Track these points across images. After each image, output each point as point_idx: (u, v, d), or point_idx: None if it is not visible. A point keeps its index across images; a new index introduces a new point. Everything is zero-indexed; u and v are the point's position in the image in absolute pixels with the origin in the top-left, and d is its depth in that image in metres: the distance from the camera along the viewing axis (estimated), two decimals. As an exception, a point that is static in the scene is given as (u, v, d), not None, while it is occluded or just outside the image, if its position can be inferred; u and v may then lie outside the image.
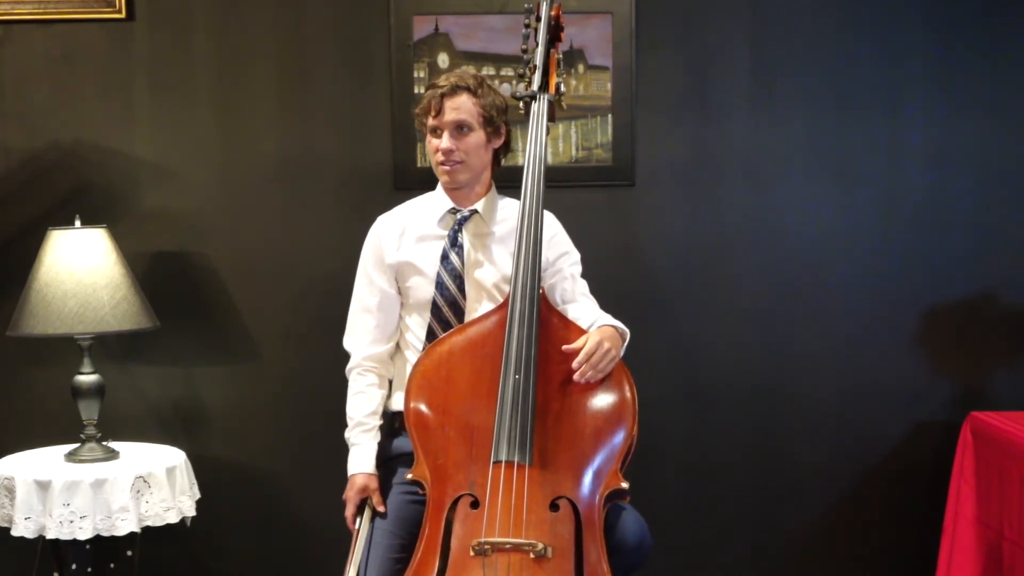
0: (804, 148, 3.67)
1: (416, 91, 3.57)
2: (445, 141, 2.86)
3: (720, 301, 3.69)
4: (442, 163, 2.88)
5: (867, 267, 3.69)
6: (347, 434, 2.92)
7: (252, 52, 3.61)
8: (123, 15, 3.57)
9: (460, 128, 2.86)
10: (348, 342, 2.98)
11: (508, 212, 2.96)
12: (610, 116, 3.62)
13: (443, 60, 3.59)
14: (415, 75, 3.59)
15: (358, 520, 2.83)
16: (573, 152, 3.63)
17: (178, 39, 3.60)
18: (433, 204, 2.97)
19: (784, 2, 3.64)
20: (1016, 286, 3.70)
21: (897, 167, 3.67)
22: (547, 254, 2.93)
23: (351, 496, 2.85)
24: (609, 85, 3.61)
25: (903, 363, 3.71)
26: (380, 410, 2.93)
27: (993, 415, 3.49)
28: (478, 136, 2.89)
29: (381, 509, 2.80)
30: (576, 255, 3.03)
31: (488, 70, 3.58)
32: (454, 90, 2.87)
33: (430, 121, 2.88)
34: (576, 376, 2.65)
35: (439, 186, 2.99)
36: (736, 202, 3.67)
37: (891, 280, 3.69)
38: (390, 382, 2.97)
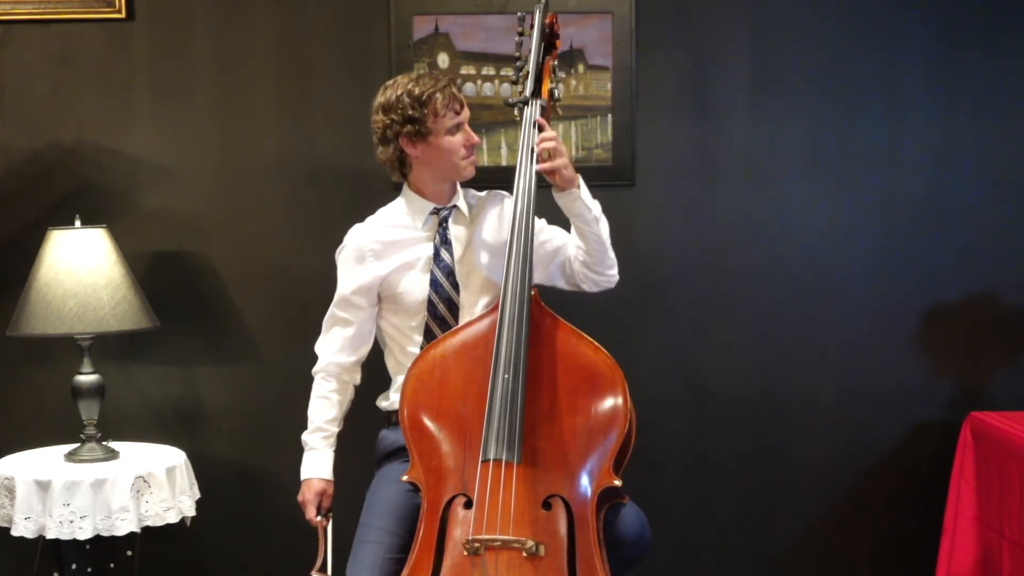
0: (804, 148, 3.67)
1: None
2: (472, 133, 2.90)
3: (720, 301, 3.69)
4: (467, 155, 2.90)
5: (867, 267, 3.69)
6: (305, 436, 2.96)
7: (252, 52, 3.61)
8: (123, 15, 3.57)
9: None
10: (319, 346, 3.00)
11: (475, 200, 3.00)
12: (610, 116, 3.62)
13: (443, 60, 3.59)
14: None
15: (322, 519, 2.90)
16: (573, 152, 3.62)
17: (178, 39, 3.60)
18: (411, 208, 2.95)
19: (784, 1, 3.64)
20: (1016, 286, 3.70)
21: (897, 167, 3.67)
22: (539, 238, 2.96)
23: (310, 499, 2.91)
24: (609, 85, 3.61)
25: (903, 363, 3.71)
26: (341, 418, 2.97)
27: (993, 415, 3.49)
28: None
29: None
30: (549, 227, 3.02)
31: (488, 70, 3.58)
32: (457, 85, 2.90)
33: (452, 120, 2.86)
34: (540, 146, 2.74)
35: (407, 192, 2.97)
36: (736, 202, 3.67)
37: (891, 280, 3.69)
38: (354, 388, 3.00)
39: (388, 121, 2.85)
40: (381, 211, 3.02)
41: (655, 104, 3.64)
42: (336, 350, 2.96)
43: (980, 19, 3.64)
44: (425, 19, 3.59)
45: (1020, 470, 3.25)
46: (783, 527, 3.75)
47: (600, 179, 3.61)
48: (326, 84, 3.62)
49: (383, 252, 2.92)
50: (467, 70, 3.58)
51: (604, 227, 2.90)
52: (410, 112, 2.83)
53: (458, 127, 2.87)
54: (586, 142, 3.63)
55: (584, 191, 2.84)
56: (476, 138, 2.91)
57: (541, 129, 2.79)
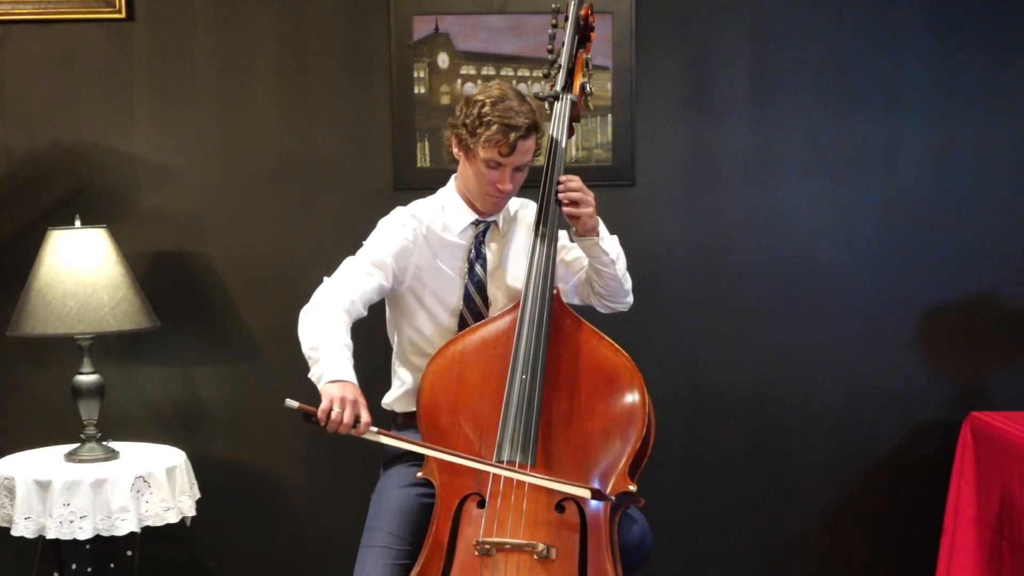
0: (804, 148, 3.67)
1: (416, 91, 3.58)
2: (507, 182, 2.78)
3: (720, 301, 3.69)
4: (493, 195, 2.82)
5: (867, 267, 3.69)
6: (324, 344, 2.63)
7: (252, 52, 3.61)
8: (123, 15, 3.56)
9: (520, 168, 2.80)
10: (334, 283, 2.78)
11: (508, 214, 2.95)
12: (610, 116, 3.62)
13: (443, 60, 3.59)
14: (415, 75, 3.59)
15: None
16: (573, 152, 3.62)
17: (178, 39, 3.60)
18: (455, 213, 2.89)
19: (784, 2, 3.64)
20: (1016, 286, 3.70)
21: (897, 167, 3.68)
22: (563, 256, 2.95)
23: (361, 400, 2.55)
24: (609, 85, 3.61)
25: (903, 363, 3.71)
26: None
27: (993, 415, 3.49)
28: (527, 168, 2.85)
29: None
30: (573, 246, 3.00)
31: (488, 70, 3.58)
32: (528, 132, 2.75)
33: (495, 156, 2.75)
34: (560, 192, 2.74)
35: (453, 190, 2.92)
36: (736, 202, 3.67)
37: (891, 280, 3.69)
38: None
39: (459, 112, 2.82)
40: (424, 204, 2.93)
41: (655, 104, 3.64)
42: (354, 297, 2.74)
43: (980, 19, 3.64)
44: (425, 19, 3.59)
45: (1020, 470, 3.25)
46: (783, 527, 3.75)
47: (600, 179, 3.61)
48: (326, 84, 3.62)
49: (427, 249, 2.87)
50: (467, 70, 3.58)
51: (621, 267, 2.89)
52: (469, 120, 2.76)
53: (497, 165, 2.77)
54: (586, 142, 3.63)
55: (605, 238, 2.83)
56: (509, 187, 2.79)
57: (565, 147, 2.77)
